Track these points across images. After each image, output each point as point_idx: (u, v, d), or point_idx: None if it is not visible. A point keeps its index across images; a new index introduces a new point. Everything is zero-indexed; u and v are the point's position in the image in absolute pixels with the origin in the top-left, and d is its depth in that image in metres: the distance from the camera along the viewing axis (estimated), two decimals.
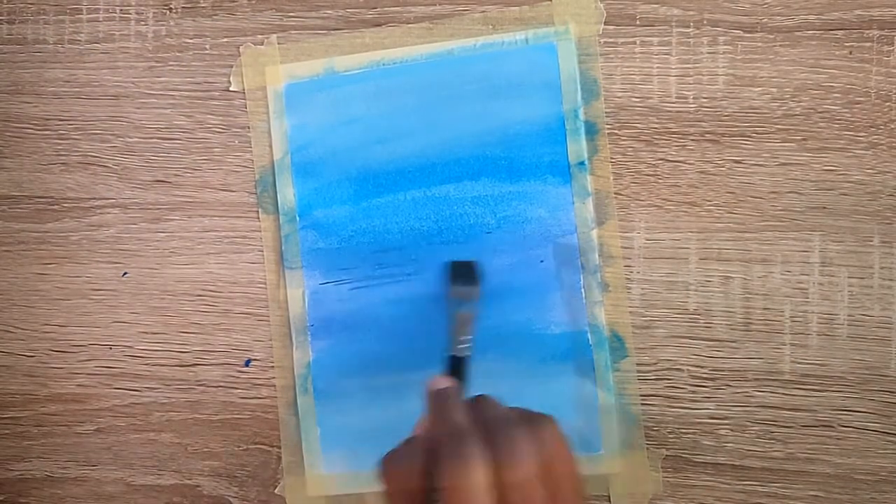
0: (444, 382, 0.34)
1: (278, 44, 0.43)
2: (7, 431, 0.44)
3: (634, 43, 0.41)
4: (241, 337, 0.43)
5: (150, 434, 0.43)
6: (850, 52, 0.40)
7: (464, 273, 0.40)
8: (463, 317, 0.38)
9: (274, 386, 0.43)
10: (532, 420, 0.31)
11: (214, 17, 0.44)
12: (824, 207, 0.40)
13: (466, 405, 0.32)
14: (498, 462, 0.28)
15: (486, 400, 0.32)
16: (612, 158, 0.41)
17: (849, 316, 0.40)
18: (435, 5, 0.42)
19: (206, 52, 0.44)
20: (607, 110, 0.41)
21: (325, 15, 0.43)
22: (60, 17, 0.44)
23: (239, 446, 0.43)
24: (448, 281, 0.40)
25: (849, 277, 0.40)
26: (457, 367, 0.36)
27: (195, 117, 0.44)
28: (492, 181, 0.42)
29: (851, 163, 0.40)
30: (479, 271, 0.40)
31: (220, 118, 0.43)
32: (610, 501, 0.41)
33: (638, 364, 0.41)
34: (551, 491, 0.29)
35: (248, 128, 0.43)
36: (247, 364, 0.43)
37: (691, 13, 0.41)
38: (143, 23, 0.44)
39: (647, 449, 0.41)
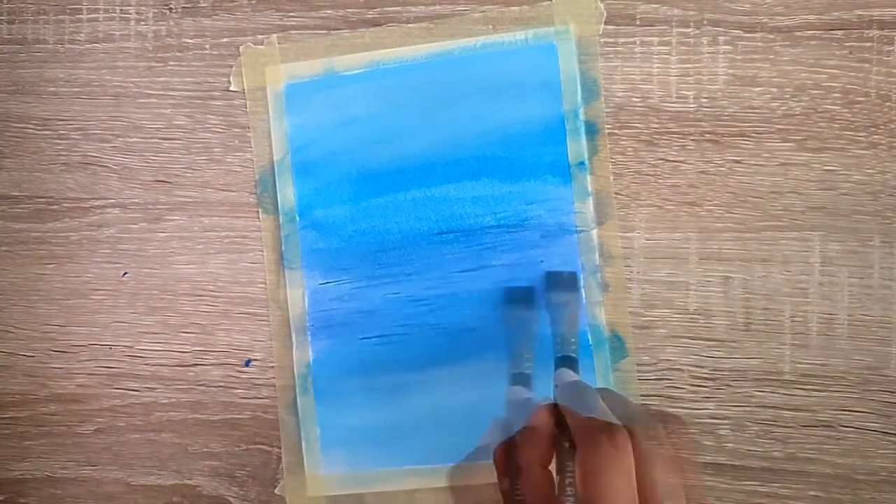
0: (574, 375, 0.34)
1: (278, 44, 0.43)
2: (7, 431, 0.44)
3: (634, 43, 0.41)
4: (241, 337, 0.43)
5: (150, 434, 0.43)
6: (850, 52, 0.40)
7: (562, 281, 0.41)
8: (571, 318, 0.39)
9: (274, 386, 0.43)
10: (667, 421, 0.30)
11: (214, 17, 0.44)
12: (824, 207, 0.40)
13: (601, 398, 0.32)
14: (640, 457, 0.28)
15: (616, 395, 0.32)
16: (612, 158, 0.41)
17: (849, 316, 0.40)
18: (435, 5, 0.42)
19: (206, 52, 0.44)
20: (607, 110, 0.41)
21: (325, 15, 0.43)
22: (60, 17, 0.44)
23: (239, 446, 0.43)
24: (547, 289, 0.41)
25: (849, 277, 0.40)
26: (571, 365, 0.37)
27: (195, 117, 0.44)
28: (492, 181, 0.42)
29: (851, 163, 0.40)
30: (576, 279, 0.41)
31: (220, 118, 0.43)
32: None
33: (638, 364, 0.41)
34: (686, 493, 0.29)
35: (248, 128, 0.43)
36: (247, 364, 0.43)
37: (691, 13, 0.41)
38: (143, 23, 0.44)
39: None
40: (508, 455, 0.32)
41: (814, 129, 0.40)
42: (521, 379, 0.38)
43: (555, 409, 0.32)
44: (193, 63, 0.44)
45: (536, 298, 0.41)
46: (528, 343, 0.39)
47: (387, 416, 0.41)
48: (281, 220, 0.43)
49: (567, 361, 0.37)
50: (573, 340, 0.38)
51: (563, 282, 0.41)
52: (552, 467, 0.31)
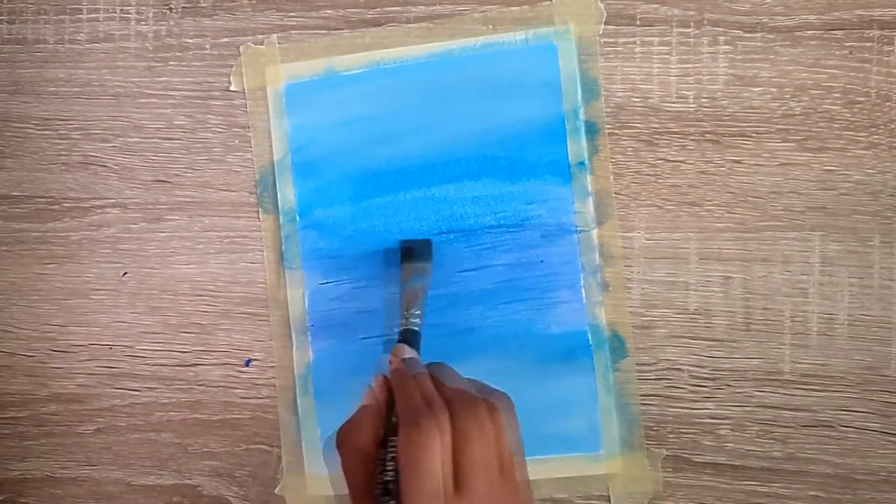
0: (409, 352, 0.34)
1: (278, 44, 0.43)
2: (7, 431, 0.44)
3: (634, 43, 0.41)
4: (241, 337, 0.43)
5: (150, 434, 0.43)
6: (850, 52, 0.40)
7: (414, 251, 0.40)
8: (412, 291, 0.39)
9: (274, 386, 0.43)
10: (490, 395, 0.31)
11: (214, 17, 0.44)
12: (824, 207, 0.40)
13: (430, 374, 0.33)
14: (457, 433, 0.29)
15: (444, 368, 0.33)
16: (612, 158, 0.41)
17: (849, 316, 0.40)
18: (435, 5, 0.42)
19: (206, 52, 0.44)
20: (607, 110, 0.41)
21: (325, 15, 0.43)
22: (60, 17, 0.44)
23: (239, 446, 0.43)
24: (400, 259, 0.40)
25: (849, 277, 0.40)
26: (409, 338, 0.37)
27: (195, 117, 0.44)
28: (492, 181, 0.42)
29: (851, 163, 0.40)
30: (429, 248, 0.41)
31: (220, 118, 0.43)
32: (610, 501, 0.41)
33: (638, 364, 0.41)
34: (500, 467, 0.30)
35: (249, 128, 0.43)
36: (247, 364, 0.43)
37: (691, 13, 0.41)
38: (143, 23, 0.44)
39: (647, 449, 0.41)
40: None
41: (814, 129, 0.40)
42: (407, 336, 0.37)
43: (388, 384, 0.33)
44: (193, 63, 0.44)
45: (432, 252, 0.40)
46: (419, 296, 0.38)
47: None
48: (281, 220, 0.43)
49: (406, 335, 0.37)
50: (417, 313, 0.38)
51: (414, 252, 0.40)
52: None
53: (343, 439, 0.32)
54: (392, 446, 0.31)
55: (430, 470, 0.28)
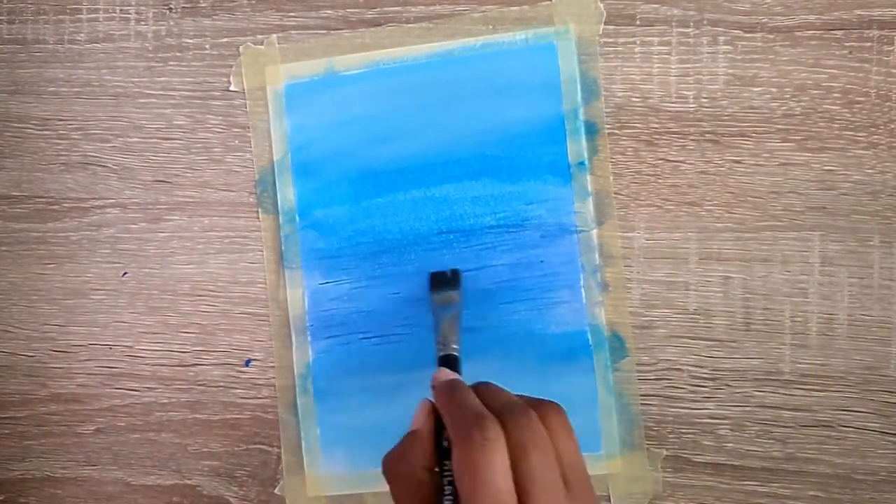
0: (451, 374, 0.34)
1: (278, 44, 0.43)
2: (7, 431, 0.44)
3: (634, 43, 0.41)
4: (241, 337, 0.43)
5: (150, 434, 0.43)
6: (850, 52, 0.40)
7: (443, 281, 0.41)
8: (447, 322, 0.38)
9: (274, 386, 0.43)
10: (540, 407, 0.30)
11: (214, 17, 0.44)
12: (824, 207, 0.40)
13: (475, 392, 0.32)
14: (514, 447, 0.28)
15: (491, 387, 0.32)
16: (612, 158, 0.41)
17: (849, 316, 0.40)
18: (435, 5, 0.42)
19: (206, 52, 0.44)
20: (607, 110, 0.41)
21: (325, 15, 0.43)
22: (60, 17, 0.44)
23: (239, 446, 0.43)
24: (430, 290, 0.41)
25: (849, 277, 0.40)
26: (452, 363, 0.36)
27: (195, 117, 0.44)
28: (492, 181, 0.42)
29: (851, 163, 0.40)
30: (458, 278, 0.41)
31: (220, 118, 0.43)
32: (610, 501, 0.41)
33: (638, 364, 0.41)
34: (564, 478, 0.29)
35: (248, 128, 0.43)
36: (247, 364, 0.43)
37: (691, 13, 0.41)
38: (143, 23, 0.44)
39: (647, 449, 0.41)
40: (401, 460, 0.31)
41: (814, 129, 0.40)
42: (447, 361, 0.37)
43: (434, 408, 0.32)
44: (193, 63, 0.44)
45: (460, 280, 0.41)
46: (454, 324, 0.38)
47: (387, 416, 0.41)
48: (281, 220, 0.43)
49: (446, 360, 0.36)
50: (454, 339, 0.37)
51: (444, 281, 0.40)
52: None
53: (391, 469, 0.31)
54: (447, 470, 0.30)
55: (490, 487, 0.27)
